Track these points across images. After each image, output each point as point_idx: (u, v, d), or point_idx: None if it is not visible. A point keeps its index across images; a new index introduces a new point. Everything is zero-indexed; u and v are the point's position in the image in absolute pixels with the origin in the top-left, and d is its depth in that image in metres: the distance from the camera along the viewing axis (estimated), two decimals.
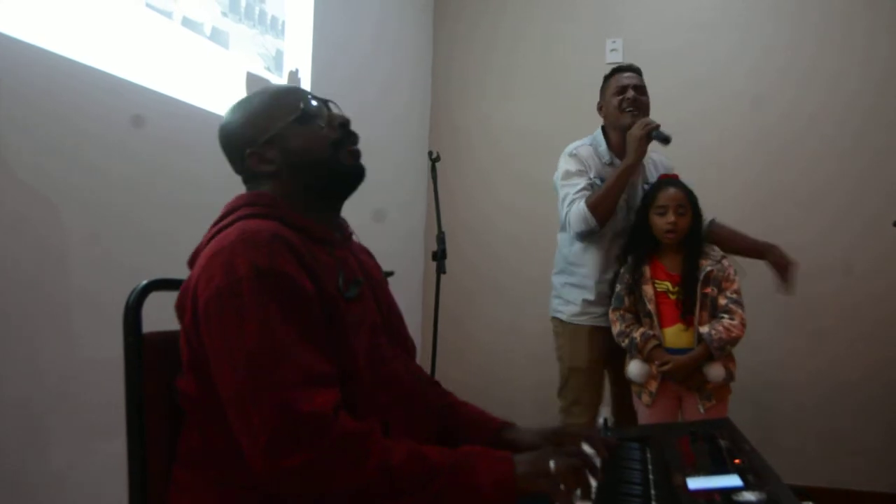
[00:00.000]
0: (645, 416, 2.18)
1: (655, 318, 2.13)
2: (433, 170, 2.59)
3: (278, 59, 2.51)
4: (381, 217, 2.80)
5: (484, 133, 3.58)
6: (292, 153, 1.09)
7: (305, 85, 2.59)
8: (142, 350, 1.04)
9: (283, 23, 2.55)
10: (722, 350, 2.06)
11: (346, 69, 2.89)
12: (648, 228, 2.19)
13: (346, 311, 1.02)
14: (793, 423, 2.96)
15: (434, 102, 3.72)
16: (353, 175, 1.14)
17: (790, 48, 3.14)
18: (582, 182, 2.25)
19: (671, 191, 2.17)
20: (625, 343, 2.16)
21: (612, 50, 3.36)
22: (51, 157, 1.60)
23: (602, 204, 2.18)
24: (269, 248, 0.94)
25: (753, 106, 3.12)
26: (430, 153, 2.62)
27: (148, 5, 1.89)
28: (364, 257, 1.22)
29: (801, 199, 3.06)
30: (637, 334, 2.13)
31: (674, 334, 2.13)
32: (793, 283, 2.24)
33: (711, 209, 2.30)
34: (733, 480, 0.92)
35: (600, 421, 2.51)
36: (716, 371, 2.08)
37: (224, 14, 2.21)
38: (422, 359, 2.03)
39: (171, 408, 1.05)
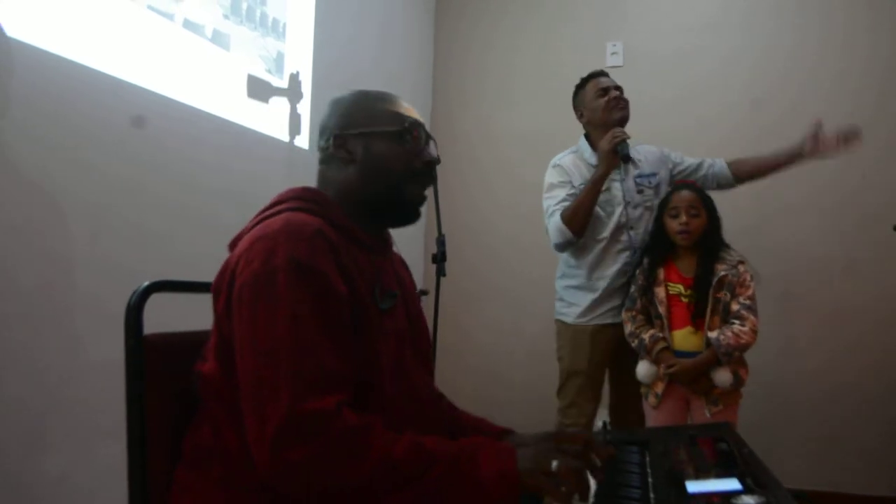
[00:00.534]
0: (651, 417, 2.19)
1: (665, 321, 2.14)
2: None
3: (279, 61, 2.52)
4: None
5: (484, 136, 3.59)
6: (371, 156, 1.12)
7: (306, 88, 2.60)
8: (143, 352, 1.04)
9: (285, 25, 2.55)
10: (729, 356, 2.06)
11: (346, 72, 2.89)
12: (664, 231, 2.21)
13: (378, 320, 1.04)
14: (791, 426, 2.96)
15: (434, 105, 3.73)
16: (405, 211, 1.17)
17: (790, 51, 3.15)
18: (562, 194, 2.30)
19: (684, 193, 2.20)
20: (634, 343, 2.18)
21: (613, 53, 3.37)
22: (52, 158, 1.60)
23: (575, 216, 2.23)
24: (310, 244, 0.96)
25: (753, 107, 3.12)
26: None
27: (149, 7, 1.90)
28: (402, 270, 1.24)
29: (800, 200, 3.06)
30: (646, 336, 2.14)
31: (683, 337, 2.13)
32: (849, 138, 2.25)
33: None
34: (732, 484, 0.92)
35: (599, 423, 2.52)
36: (723, 376, 2.08)
37: (225, 16, 2.22)
38: None
39: (173, 409, 1.05)
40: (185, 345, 1.10)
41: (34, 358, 1.55)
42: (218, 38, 2.18)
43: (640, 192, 2.35)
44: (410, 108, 1.18)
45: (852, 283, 2.95)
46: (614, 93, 2.34)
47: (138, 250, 1.80)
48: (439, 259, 2.22)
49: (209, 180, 2.08)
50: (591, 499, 0.95)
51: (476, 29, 3.68)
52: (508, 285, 3.44)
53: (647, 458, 1.14)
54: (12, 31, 1.51)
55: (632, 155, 2.30)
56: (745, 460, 1.02)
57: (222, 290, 1.00)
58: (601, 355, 2.32)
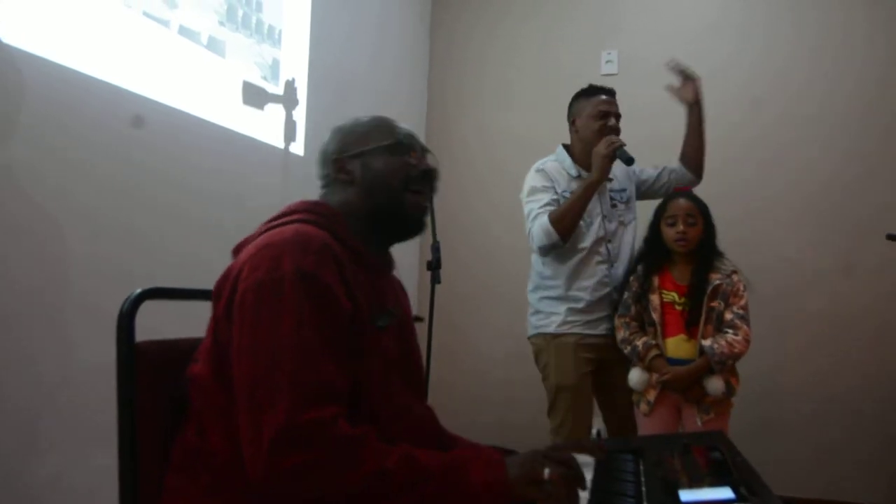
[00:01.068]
0: (643, 425, 2.19)
1: (659, 328, 2.14)
2: None
3: (275, 67, 2.52)
4: None
5: (480, 141, 3.60)
6: (370, 172, 1.14)
7: (302, 95, 2.60)
8: (134, 359, 1.04)
9: (280, 32, 2.56)
10: (722, 364, 2.06)
11: (342, 78, 2.90)
12: (660, 239, 2.21)
13: (372, 337, 1.05)
14: (786, 434, 2.96)
15: (430, 111, 3.75)
16: (407, 222, 1.16)
17: (787, 54, 3.16)
18: (546, 198, 2.26)
19: (681, 201, 2.20)
20: (627, 350, 2.18)
21: (608, 61, 3.38)
22: (48, 163, 1.61)
23: (565, 218, 2.19)
24: (318, 257, 0.97)
25: (752, 107, 3.14)
26: None
27: (145, 14, 1.90)
28: (400, 294, 1.25)
29: (793, 210, 3.07)
30: (640, 342, 2.14)
31: (675, 345, 2.14)
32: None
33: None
34: (725, 493, 0.92)
35: (593, 432, 2.52)
36: (715, 384, 2.08)
37: (221, 23, 2.22)
38: None
39: (165, 416, 1.05)
40: (176, 352, 1.09)
41: (29, 361, 1.55)
42: (213, 45, 2.18)
43: (613, 206, 2.34)
44: (404, 127, 1.19)
45: (846, 293, 2.96)
46: (612, 121, 2.30)
47: (134, 255, 1.80)
48: (434, 266, 2.22)
49: (205, 186, 2.08)
50: None
51: (471, 36, 3.70)
52: (504, 287, 3.43)
53: (641, 467, 1.14)
54: (9, 39, 1.51)
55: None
56: (738, 469, 1.02)
57: (223, 293, 1.00)
58: (587, 366, 2.26)
